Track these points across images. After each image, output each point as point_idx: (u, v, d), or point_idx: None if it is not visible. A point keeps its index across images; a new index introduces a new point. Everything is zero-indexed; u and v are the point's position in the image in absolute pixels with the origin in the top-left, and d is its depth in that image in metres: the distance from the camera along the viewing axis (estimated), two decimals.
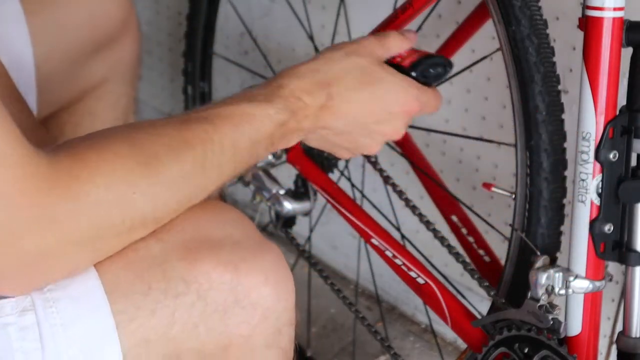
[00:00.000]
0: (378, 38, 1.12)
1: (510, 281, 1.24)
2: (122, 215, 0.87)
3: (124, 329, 0.88)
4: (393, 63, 1.13)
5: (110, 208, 0.86)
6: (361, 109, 1.09)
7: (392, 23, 1.30)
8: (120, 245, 0.89)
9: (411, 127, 1.51)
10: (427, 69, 1.14)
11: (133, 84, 1.48)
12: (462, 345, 1.34)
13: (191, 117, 0.97)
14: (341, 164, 1.52)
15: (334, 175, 1.49)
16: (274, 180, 1.45)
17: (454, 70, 1.43)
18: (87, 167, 0.85)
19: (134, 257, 0.90)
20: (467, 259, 1.32)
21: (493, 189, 1.23)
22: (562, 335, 1.15)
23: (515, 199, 1.21)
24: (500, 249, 1.34)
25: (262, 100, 1.02)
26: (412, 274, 1.28)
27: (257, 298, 0.92)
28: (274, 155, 1.43)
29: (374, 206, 1.48)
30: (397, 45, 1.13)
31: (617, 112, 1.09)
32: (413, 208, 1.31)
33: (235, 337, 0.92)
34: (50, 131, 1.38)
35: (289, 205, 1.41)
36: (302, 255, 1.51)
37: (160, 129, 0.93)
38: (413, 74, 1.13)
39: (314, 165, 1.42)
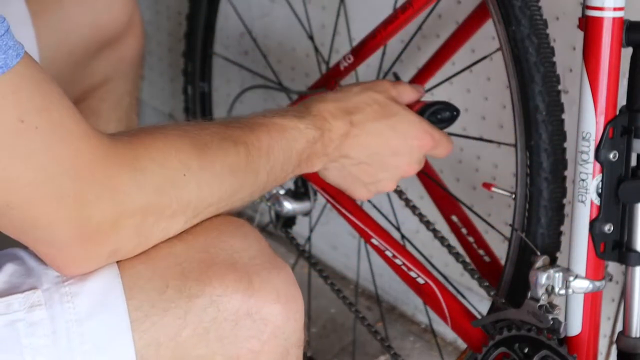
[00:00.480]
0: (391, 82, 1.18)
1: (510, 281, 1.24)
2: (171, 194, 0.90)
3: (138, 327, 0.88)
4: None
5: (163, 184, 0.90)
6: (380, 140, 1.14)
7: (392, 23, 1.30)
8: (158, 232, 0.91)
9: None
10: (436, 114, 1.20)
11: (136, 83, 1.48)
12: (462, 345, 1.34)
13: (231, 121, 1.02)
14: None
15: None
16: None
17: (454, 70, 1.43)
18: (144, 144, 0.90)
19: (156, 255, 0.91)
20: (467, 259, 1.32)
21: (493, 189, 1.23)
22: (562, 335, 1.15)
23: (515, 199, 1.21)
24: (500, 249, 1.34)
25: (292, 115, 1.08)
26: (412, 274, 1.28)
27: (268, 314, 0.92)
28: None
29: (374, 206, 1.48)
30: (407, 92, 1.19)
31: (617, 112, 1.09)
32: (413, 208, 1.31)
33: (244, 351, 0.92)
34: None
35: (289, 205, 1.41)
36: (302, 255, 1.51)
37: (207, 125, 0.98)
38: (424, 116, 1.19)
39: None
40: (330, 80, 1.37)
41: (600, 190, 1.10)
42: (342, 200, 1.32)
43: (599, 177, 1.10)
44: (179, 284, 0.90)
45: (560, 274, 1.14)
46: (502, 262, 1.28)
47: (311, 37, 1.62)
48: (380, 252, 1.30)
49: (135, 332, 0.88)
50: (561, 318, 1.15)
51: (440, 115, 1.21)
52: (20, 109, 0.81)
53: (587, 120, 1.09)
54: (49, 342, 0.86)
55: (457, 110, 1.23)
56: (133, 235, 0.89)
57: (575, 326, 1.16)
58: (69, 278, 0.88)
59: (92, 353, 0.87)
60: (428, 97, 1.55)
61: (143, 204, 0.88)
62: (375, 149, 1.14)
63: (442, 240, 1.29)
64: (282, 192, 1.42)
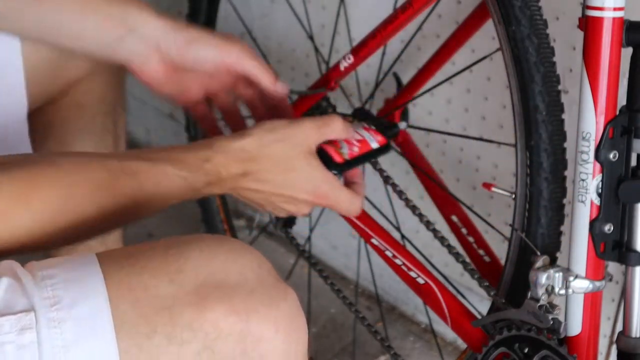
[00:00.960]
0: (318, 125, 1.14)
1: (510, 281, 1.24)
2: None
3: None
4: (325, 151, 1.15)
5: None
6: (270, 189, 1.13)
7: (392, 23, 1.30)
8: None
9: (411, 127, 1.52)
10: (353, 166, 1.18)
11: (121, 76, 1.45)
12: (462, 345, 1.34)
13: (121, 164, 1.02)
14: None
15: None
16: None
17: (454, 70, 1.43)
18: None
19: (143, 296, 0.87)
20: (467, 259, 1.32)
21: (493, 189, 1.23)
22: (562, 335, 1.15)
23: (515, 199, 1.21)
24: (500, 249, 1.34)
25: (184, 167, 1.06)
26: (412, 274, 1.28)
27: (265, 350, 0.89)
28: None
29: (374, 206, 1.48)
30: (335, 133, 1.15)
31: (617, 112, 1.09)
32: (413, 208, 1.31)
33: None
34: (37, 126, 1.37)
35: None
36: (302, 255, 1.51)
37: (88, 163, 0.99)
38: (334, 171, 1.15)
39: None
40: (330, 80, 1.37)
41: (600, 190, 1.10)
42: None
43: (599, 177, 1.10)
44: (169, 330, 0.87)
45: (560, 274, 1.14)
46: (502, 262, 1.28)
47: (311, 37, 1.62)
48: (380, 252, 1.30)
49: None
50: (561, 318, 1.15)
51: (359, 163, 1.19)
52: None
53: (587, 120, 1.09)
54: None
55: (386, 150, 1.21)
56: None
57: (575, 326, 1.16)
58: (57, 302, 0.86)
59: None
60: (428, 97, 1.55)
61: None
62: (265, 194, 1.13)
63: (442, 240, 1.29)
64: None
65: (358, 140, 1.18)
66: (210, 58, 1.19)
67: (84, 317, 0.85)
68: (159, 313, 0.87)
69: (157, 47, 1.18)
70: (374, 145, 1.18)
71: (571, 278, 1.13)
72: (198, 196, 1.09)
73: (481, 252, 1.35)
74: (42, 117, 1.38)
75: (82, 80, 1.40)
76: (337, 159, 1.15)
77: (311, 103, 1.44)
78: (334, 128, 1.14)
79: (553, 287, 1.14)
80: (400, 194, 1.33)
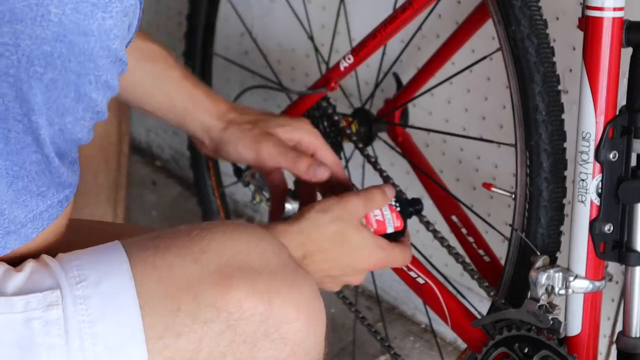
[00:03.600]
0: (363, 200, 1.19)
1: (510, 281, 1.24)
2: None
3: (152, 347, 0.87)
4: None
5: None
6: (329, 266, 1.16)
7: (392, 23, 1.30)
8: None
9: (411, 127, 1.52)
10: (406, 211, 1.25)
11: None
12: (462, 345, 1.34)
13: None
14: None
15: None
16: None
17: (454, 70, 1.43)
18: None
19: (167, 274, 0.89)
20: (467, 259, 1.32)
21: (493, 189, 1.23)
22: (562, 335, 1.15)
23: (515, 199, 1.21)
24: (500, 249, 1.34)
25: None
26: (412, 274, 1.28)
27: (287, 332, 0.91)
28: None
29: None
30: (377, 205, 1.20)
31: (617, 112, 1.09)
32: None
33: None
34: None
35: (289, 206, 1.41)
36: None
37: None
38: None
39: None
40: (330, 80, 1.37)
41: (600, 190, 1.10)
42: None
43: (598, 177, 1.10)
44: (193, 309, 0.88)
45: (560, 274, 1.14)
46: (502, 262, 1.28)
47: (311, 37, 1.62)
48: None
49: (150, 354, 0.87)
50: (561, 318, 1.15)
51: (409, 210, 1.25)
52: None
53: (587, 120, 1.09)
54: (62, 342, 0.85)
55: (419, 204, 1.27)
56: None
57: (575, 326, 1.16)
58: (82, 280, 0.87)
59: (105, 355, 0.86)
60: (428, 97, 1.55)
61: None
62: (324, 271, 1.16)
63: (442, 240, 1.29)
64: None
65: (377, 221, 1.22)
66: (260, 156, 1.26)
67: (109, 294, 0.87)
68: (183, 291, 0.88)
69: (208, 134, 1.28)
70: (390, 229, 1.22)
71: (571, 278, 1.13)
72: None
73: (481, 252, 1.35)
74: None
75: None
76: (375, 230, 1.21)
77: (311, 103, 1.44)
78: (376, 201, 1.20)
79: (553, 287, 1.14)
80: (400, 194, 1.33)
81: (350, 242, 1.16)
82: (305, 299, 0.92)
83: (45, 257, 0.89)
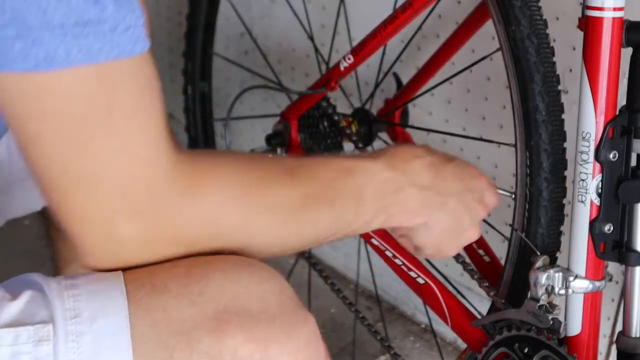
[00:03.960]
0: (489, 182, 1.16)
1: (510, 281, 1.24)
2: (219, 221, 0.89)
3: None
4: None
5: (212, 214, 0.89)
6: (458, 181, 1.10)
7: (392, 23, 1.30)
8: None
9: (411, 127, 1.52)
10: None
11: None
12: (462, 345, 1.34)
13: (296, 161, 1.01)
14: None
15: None
16: None
17: (454, 70, 1.43)
18: (205, 169, 0.89)
19: (161, 318, 0.86)
20: (467, 259, 1.32)
21: None
22: (562, 335, 1.15)
23: (515, 199, 1.21)
24: (500, 249, 1.34)
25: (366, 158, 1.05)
26: (412, 274, 1.28)
27: None
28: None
29: None
30: (494, 202, 1.16)
31: (617, 112, 1.09)
32: None
33: None
34: None
35: None
36: (302, 255, 1.51)
37: (266, 160, 0.98)
38: None
39: None
40: (331, 80, 1.37)
41: (600, 190, 1.10)
42: None
43: (598, 177, 1.10)
44: (186, 356, 0.85)
45: (560, 274, 1.14)
46: (502, 262, 1.28)
47: (311, 37, 1.62)
48: (380, 252, 1.30)
49: None
50: (561, 318, 1.15)
51: None
52: (113, 101, 0.82)
53: (587, 120, 1.09)
54: None
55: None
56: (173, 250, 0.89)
57: (575, 326, 1.16)
58: (77, 315, 0.85)
59: None
60: (428, 97, 1.55)
61: (192, 226, 0.87)
62: (461, 189, 1.11)
63: None
64: None
65: None
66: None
67: (103, 333, 0.85)
68: (177, 337, 0.86)
69: None
70: None
71: (571, 278, 1.13)
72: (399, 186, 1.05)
73: (481, 252, 1.35)
74: None
75: None
76: None
77: (311, 103, 1.44)
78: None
79: (553, 287, 1.14)
80: None
81: (454, 158, 1.12)
82: (304, 345, 0.90)
83: (44, 283, 0.87)
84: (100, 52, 0.79)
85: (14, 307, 0.85)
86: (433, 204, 1.07)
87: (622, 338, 1.16)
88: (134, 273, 0.89)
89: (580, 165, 1.10)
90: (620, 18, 1.07)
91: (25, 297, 0.85)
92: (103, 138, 0.82)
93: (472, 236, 1.14)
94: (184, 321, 0.86)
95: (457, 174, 1.10)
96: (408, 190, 1.05)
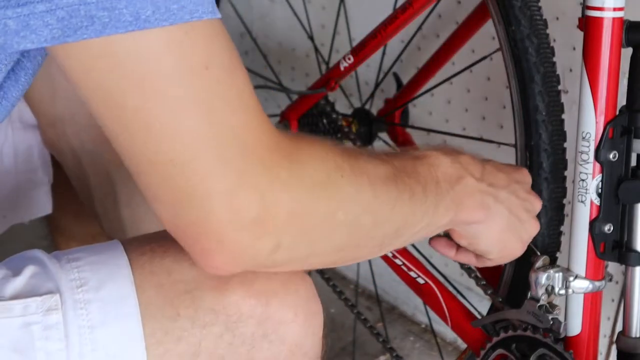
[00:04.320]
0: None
1: (510, 281, 1.24)
2: (327, 192, 0.86)
3: (152, 352, 0.87)
4: None
5: (323, 181, 0.85)
6: (506, 179, 1.08)
7: (392, 23, 1.30)
8: (323, 240, 0.87)
9: (411, 127, 1.52)
10: None
11: None
12: (462, 345, 1.34)
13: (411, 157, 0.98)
14: None
15: None
16: None
17: (454, 70, 1.43)
18: (304, 141, 0.86)
19: (166, 280, 0.88)
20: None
21: None
22: (562, 335, 1.15)
23: None
24: None
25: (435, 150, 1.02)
26: (412, 274, 1.28)
27: (285, 333, 0.91)
28: None
29: None
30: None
31: (617, 112, 1.09)
32: None
33: None
34: None
35: None
36: None
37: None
38: None
39: None
40: (330, 80, 1.37)
41: (600, 191, 1.10)
42: None
43: (599, 177, 1.10)
44: (191, 313, 0.88)
45: (560, 274, 1.14)
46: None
47: (311, 37, 1.62)
48: None
49: (149, 357, 0.87)
50: (561, 318, 1.15)
51: None
52: (209, 56, 0.78)
53: (587, 120, 1.09)
54: (61, 347, 0.85)
55: None
56: (296, 232, 0.84)
57: (575, 326, 1.15)
58: (83, 284, 0.87)
59: None
60: (428, 97, 1.55)
61: (302, 199, 0.83)
62: (510, 187, 1.08)
63: None
64: None
65: None
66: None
67: (111, 299, 0.86)
68: (182, 296, 0.88)
69: None
70: None
71: (571, 278, 1.13)
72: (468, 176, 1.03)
73: None
74: None
75: None
76: None
77: (311, 103, 1.44)
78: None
79: (553, 287, 1.14)
80: None
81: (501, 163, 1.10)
82: (303, 300, 0.92)
83: (45, 258, 0.89)
84: (195, 12, 0.77)
85: (19, 282, 0.86)
86: (488, 196, 1.04)
87: (622, 338, 1.16)
88: (133, 242, 0.92)
89: (580, 165, 1.10)
90: (621, 18, 1.06)
91: (28, 271, 0.87)
92: (204, 94, 0.78)
93: (532, 230, 1.10)
94: (187, 282, 0.88)
95: (498, 167, 1.08)
96: (467, 180, 1.02)
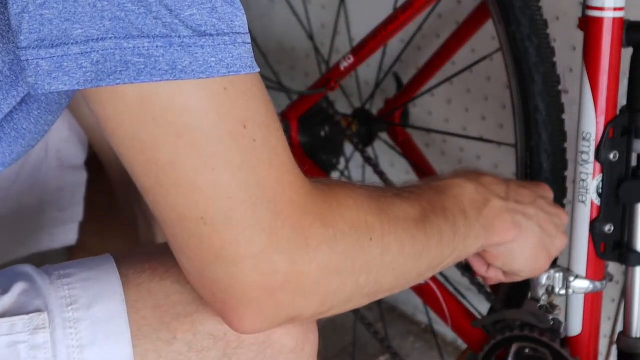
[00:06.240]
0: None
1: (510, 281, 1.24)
2: (354, 258, 0.85)
3: None
4: None
5: (351, 247, 0.84)
6: (530, 197, 1.08)
7: (392, 23, 1.30)
8: (341, 303, 0.87)
9: (411, 127, 1.52)
10: None
11: None
12: (462, 345, 1.34)
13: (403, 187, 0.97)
14: (341, 164, 1.52)
15: (335, 176, 1.49)
16: None
17: (454, 70, 1.43)
18: (337, 199, 0.84)
19: (164, 302, 0.86)
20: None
21: None
22: (563, 336, 1.15)
23: None
24: None
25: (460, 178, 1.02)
26: None
27: None
28: None
29: None
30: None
31: (618, 112, 1.09)
32: None
33: None
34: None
35: None
36: None
37: (384, 188, 0.94)
38: None
39: (314, 165, 1.42)
40: (331, 80, 1.37)
41: (600, 191, 1.10)
42: None
43: (599, 177, 1.10)
44: (190, 337, 0.86)
45: (561, 274, 1.14)
46: None
47: (311, 37, 1.62)
48: None
49: None
50: (561, 318, 1.15)
51: None
52: (247, 113, 0.76)
53: (588, 121, 1.09)
54: None
55: None
56: (320, 295, 0.83)
57: (575, 326, 1.16)
58: (73, 302, 0.85)
59: None
60: (428, 97, 1.55)
61: (330, 264, 0.82)
62: (536, 204, 1.07)
63: None
64: None
65: None
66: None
67: (101, 319, 0.84)
68: (181, 320, 0.86)
69: None
70: None
71: (571, 278, 1.13)
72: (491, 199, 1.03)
73: None
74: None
75: None
76: None
77: (311, 103, 1.44)
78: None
79: (553, 288, 1.14)
80: None
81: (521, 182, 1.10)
82: (304, 328, 0.90)
83: (35, 274, 0.86)
84: (233, 65, 0.75)
85: (7, 299, 0.84)
86: (517, 214, 1.04)
87: (622, 338, 1.16)
88: (131, 259, 0.89)
89: (581, 165, 1.10)
90: (621, 18, 1.06)
91: (17, 289, 0.85)
92: (239, 153, 0.76)
93: (560, 244, 1.09)
94: (188, 304, 0.86)
95: (520, 183, 1.08)
96: (494, 202, 1.02)
